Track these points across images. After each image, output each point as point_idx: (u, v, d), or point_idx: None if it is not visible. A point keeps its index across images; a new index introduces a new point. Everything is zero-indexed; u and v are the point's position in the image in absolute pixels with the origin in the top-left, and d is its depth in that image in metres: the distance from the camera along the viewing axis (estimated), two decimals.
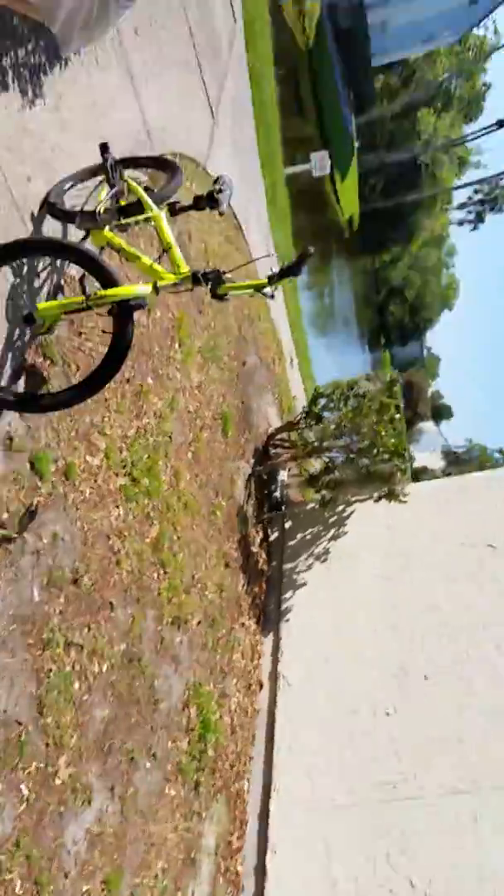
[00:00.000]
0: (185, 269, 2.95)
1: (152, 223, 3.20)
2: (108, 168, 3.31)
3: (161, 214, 3.17)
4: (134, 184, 3.32)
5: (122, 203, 3.32)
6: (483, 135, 42.08)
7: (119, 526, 4.10)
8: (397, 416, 7.27)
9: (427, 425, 51.47)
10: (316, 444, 7.38)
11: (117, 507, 4.10)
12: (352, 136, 30.37)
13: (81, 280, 2.85)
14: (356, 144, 32.67)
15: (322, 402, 7.65)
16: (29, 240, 2.78)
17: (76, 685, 3.43)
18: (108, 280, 2.75)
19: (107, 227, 3.13)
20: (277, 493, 7.84)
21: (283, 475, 8.05)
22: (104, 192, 3.35)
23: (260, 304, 8.51)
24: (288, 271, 2.76)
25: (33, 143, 3.41)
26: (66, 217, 3.19)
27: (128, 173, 3.44)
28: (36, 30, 3.34)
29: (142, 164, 3.66)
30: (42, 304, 2.83)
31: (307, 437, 7.55)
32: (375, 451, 7.05)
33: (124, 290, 2.74)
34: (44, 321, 2.84)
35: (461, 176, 49.03)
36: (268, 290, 2.87)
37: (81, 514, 3.70)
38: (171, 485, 4.92)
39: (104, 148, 3.37)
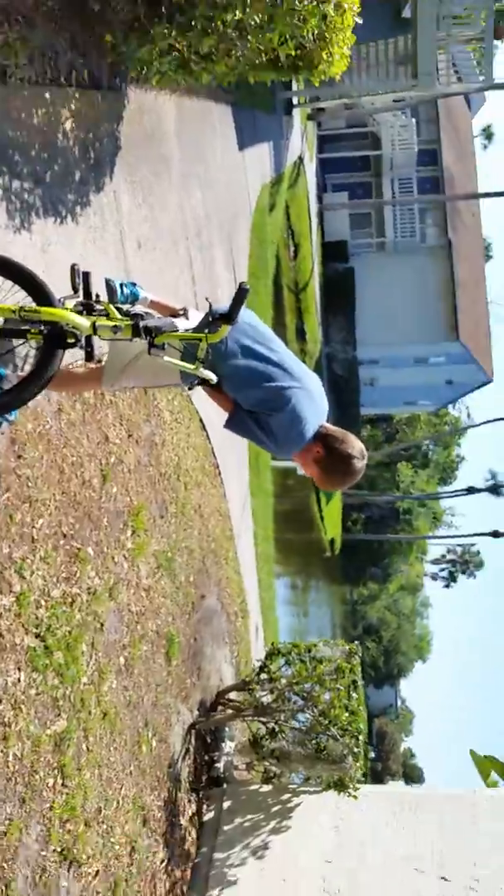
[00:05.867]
0: (126, 319, 2.71)
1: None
2: (73, 271, 3.32)
3: (113, 308, 3.02)
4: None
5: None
6: (454, 496, 45.23)
7: (16, 694, 3.40)
8: (354, 690, 6.68)
9: (397, 783, 48.80)
10: (266, 703, 6.61)
11: (18, 669, 3.44)
12: None
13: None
14: None
15: (279, 661, 7.05)
16: None
17: None
18: (44, 298, 2.59)
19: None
20: (220, 765, 6.81)
21: (228, 746, 7.07)
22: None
23: (228, 548, 8.23)
24: (224, 317, 2.50)
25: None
26: None
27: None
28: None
29: None
30: None
31: (258, 697, 6.78)
32: (327, 722, 6.29)
33: (60, 313, 2.55)
34: None
35: (435, 531, 52.01)
36: (191, 366, 2.64)
37: None
38: (92, 681, 4.21)
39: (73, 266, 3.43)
